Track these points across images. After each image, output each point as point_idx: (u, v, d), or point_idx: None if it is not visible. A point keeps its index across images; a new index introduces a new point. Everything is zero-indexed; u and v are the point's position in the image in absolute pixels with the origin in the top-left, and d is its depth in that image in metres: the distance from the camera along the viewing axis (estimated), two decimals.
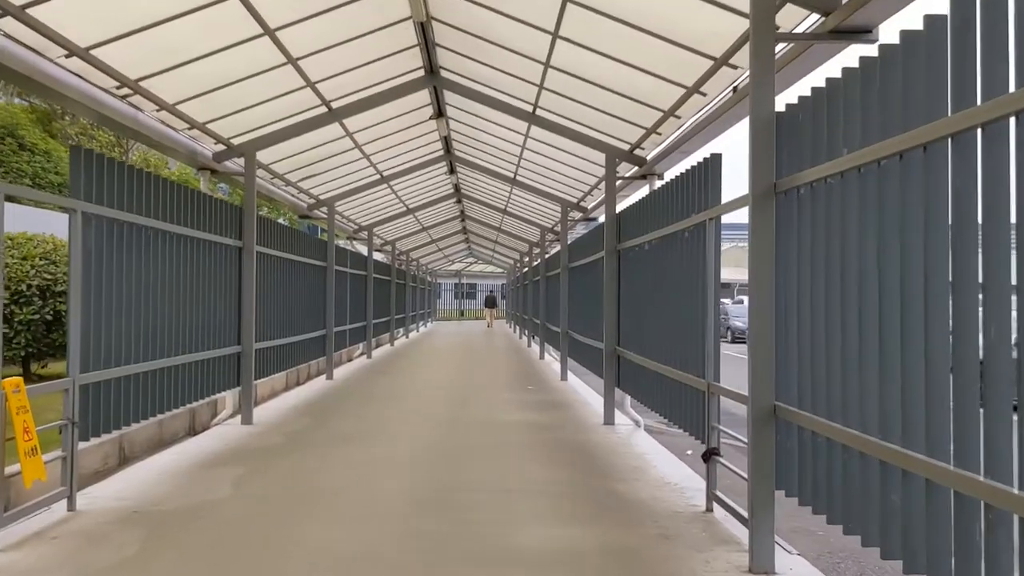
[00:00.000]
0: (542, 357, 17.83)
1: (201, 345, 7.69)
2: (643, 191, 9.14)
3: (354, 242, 21.08)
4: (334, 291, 13.56)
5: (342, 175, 12.45)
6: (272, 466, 6.49)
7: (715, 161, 5.38)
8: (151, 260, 6.60)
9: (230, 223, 8.40)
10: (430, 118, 10.60)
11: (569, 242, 13.28)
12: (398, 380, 13.32)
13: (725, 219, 5.53)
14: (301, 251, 11.50)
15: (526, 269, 25.85)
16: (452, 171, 14.99)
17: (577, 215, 13.73)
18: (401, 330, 26.59)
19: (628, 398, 8.81)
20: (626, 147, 8.81)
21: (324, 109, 8.81)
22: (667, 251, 6.58)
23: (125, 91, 6.60)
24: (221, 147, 8.67)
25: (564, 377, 13.35)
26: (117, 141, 17.11)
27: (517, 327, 30.89)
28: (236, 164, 8.99)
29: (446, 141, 12.65)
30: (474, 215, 21.87)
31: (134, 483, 5.87)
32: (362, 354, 18.21)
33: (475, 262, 44.46)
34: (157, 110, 7.16)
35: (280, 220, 26.17)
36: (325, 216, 13.35)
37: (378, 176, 13.30)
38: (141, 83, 6.57)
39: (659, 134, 8.00)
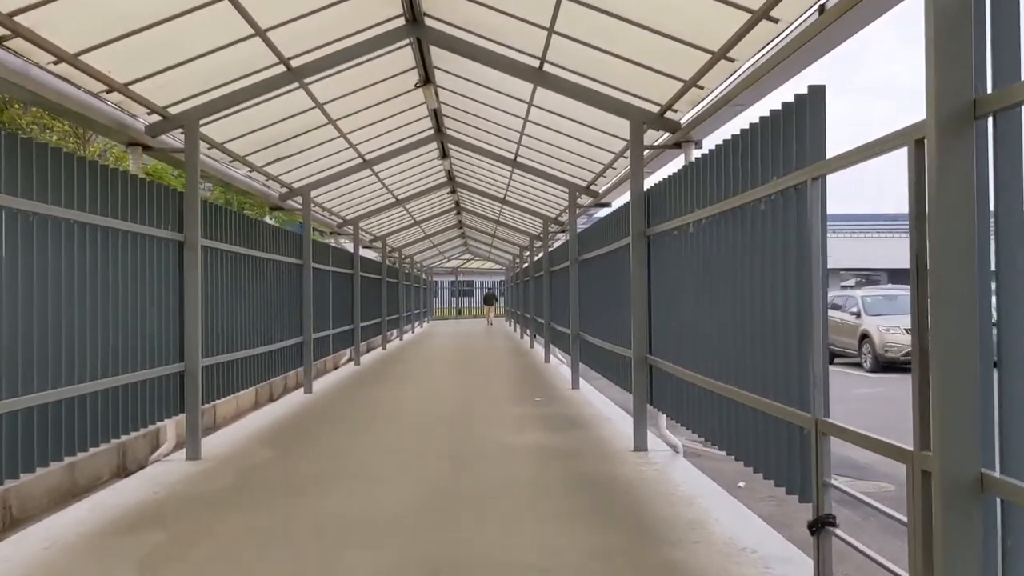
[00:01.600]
0: (547, 360, 16.20)
1: (128, 365, 6.05)
2: (673, 165, 7.51)
3: (341, 239, 19.45)
4: (312, 292, 11.90)
5: (317, 158, 10.80)
6: (204, 531, 4.84)
7: (816, 97, 3.74)
8: (58, 258, 4.98)
9: (167, 212, 6.76)
10: (416, 86, 8.94)
11: (579, 231, 11.63)
12: (387, 392, 11.67)
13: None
14: (269, 246, 9.85)
15: (526, 264, 24.21)
16: (444, 155, 13.34)
17: (587, 200, 12.08)
18: (395, 332, 24.96)
19: (663, 416, 7.18)
20: (655, 109, 7.18)
21: (281, 68, 7.15)
22: (727, 232, 4.94)
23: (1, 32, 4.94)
24: (156, 118, 7.02)
25: (575, 385, 11.71)
26: (73, 131, 15.40)
27: (517, 326, 29.27)
28: (176, 139, 7.34)
29: (436, 117, 10.99)
30: (470, 207, 20.22)
31: None
32: (350, 360, 16.59)
33: (472, 258, 42.87)
34: (54, 62, 5.49)
35: (268, 220, 24.47)
36: (300, 207, 11.70)
37: (360, 160, 11.65)
38: (20, 18, 4.90)
39: (700, 88, 6.36)
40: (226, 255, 8.28)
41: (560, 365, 15.61)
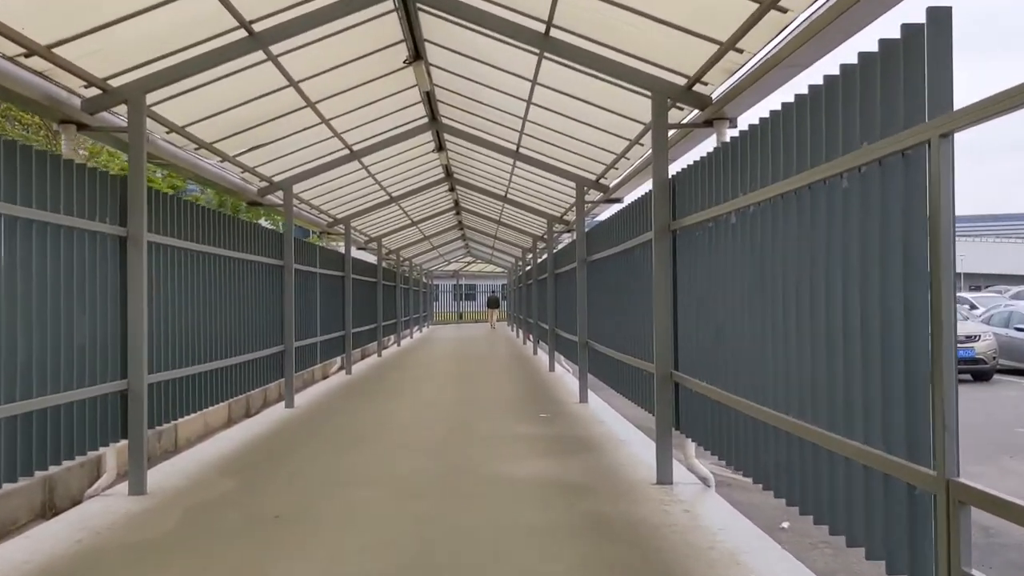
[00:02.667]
0: (552, 369, 15.12)
1: (52, 384, 5.01)
2: (699, 151, 6.44)
3: (333, 241, 18.42)
4: (295, 296, 10.84)
5: (298, 147, 9.75)
6: None
7: (938, 24, 2.68)
8: None
9: (105, 202, 5.71)
10: (405, 63, 7.89)
11: (587, 229, 10.57)
12: (376, 406, 10.60)
13: None
14: (241, 245, 8.79)
15: (529, 267, 23.16)
16: (441, 147, 12.28)
17: (596, 195, 11.02)
18: (392, 337, 23.91)
19: (691, 442, 6.10)
20: (681, 81, 6.12)
21: (241, 33, 6.10)
22: (789, 219, 3.88)
23: None
24: (96, 92, 5.96)
25: (583, 398, 10.64)
26: (43, 123, 14.40)
27: (520, 331, 28.20)
28: (119, 117, 6.29)
29: (430, 102, 9.94)
30: (470, 206, 19.16)
31: None
32: (341, 369, 15.51)
33: (474, 261, 41.83)
34: None
35: (264, 222, 23.51)
36: (281, 202, 10.64)
37: (346, 151, 10.60)
38: None
39: (739, 51, 5.30)
40: (186, 254, 7.23)
41: (565, 375, 14.54)
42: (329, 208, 14.19)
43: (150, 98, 6.47)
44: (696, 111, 6.20)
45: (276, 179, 10.48)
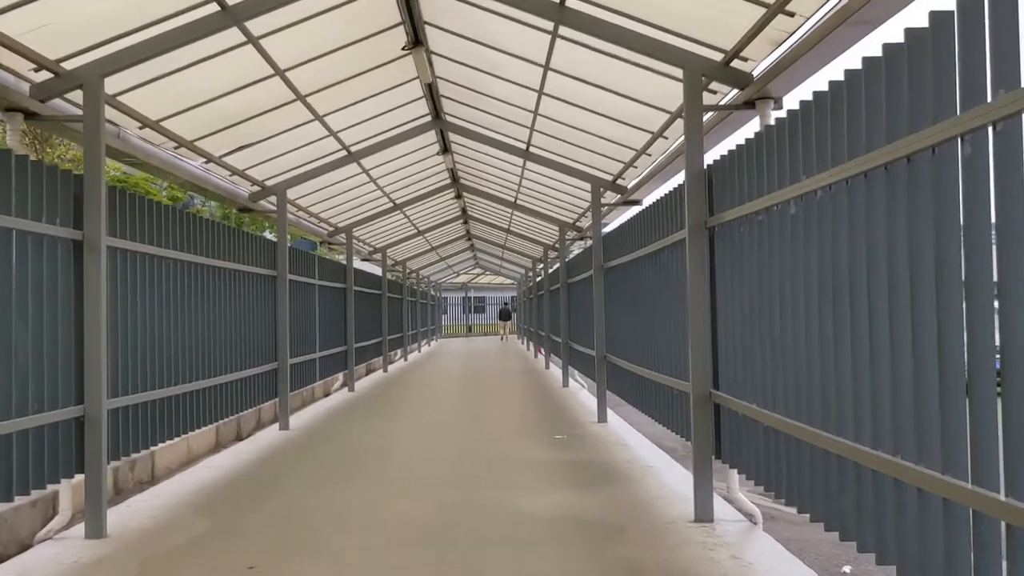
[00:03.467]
0: (566, 384, 14.29)
1: None
2: (737, 136, 5.65)
3: (335, 252, 17.69)
4: (290, 309, 10.08)
5: (291, 147, 8.99)
6: None
7: None
8: None
9: (55, 201, 4.96)
10: (404, 49, 7.14)
11: (604, 233, 9.77)
12: (379, 429, 9.80)
13: None
14: (226, 253, 8.04)
15: (539, 278, 22.37)
16: (446, 148, 11.52)
17: (613, 197, 10.22)
18: (398, 352, 23.12)
19: (734, 473, 5.27)
20: (717, 57, 5.33)
21: (213, 6, 5.34)
22: (862, 206, 3.08)
23: None
24: (47, 75, 5.22)
25: (602, 418, 9.80)
26: (31, 130, 13.75)
27: (530, 344, 27.38)
28: (75, 105, 5.53)
29: (433, 96, 9.17)
30: (478, 214, 18.39)
31: None
32: (344, 386, 14.74)
33: (482, 273, 41.10)
34: None
35: (267, 235, 22.78)
36: (273, 208, 9.88)
37: (344, 152, 9.84)
38: None
39: (789, 14, 4.52)
40: (161, 263, 6.48)
41: (580, 390, 13.71)
42: (330, 216, 13.45)
43: (114, 85, 5.74)
44: (734, 91, 5.40)
45: (268, 183, 9.72)
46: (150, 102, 6.44)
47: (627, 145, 8.37)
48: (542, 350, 22.06)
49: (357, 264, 21.43)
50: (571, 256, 14.12)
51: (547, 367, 18.63)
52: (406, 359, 23.41)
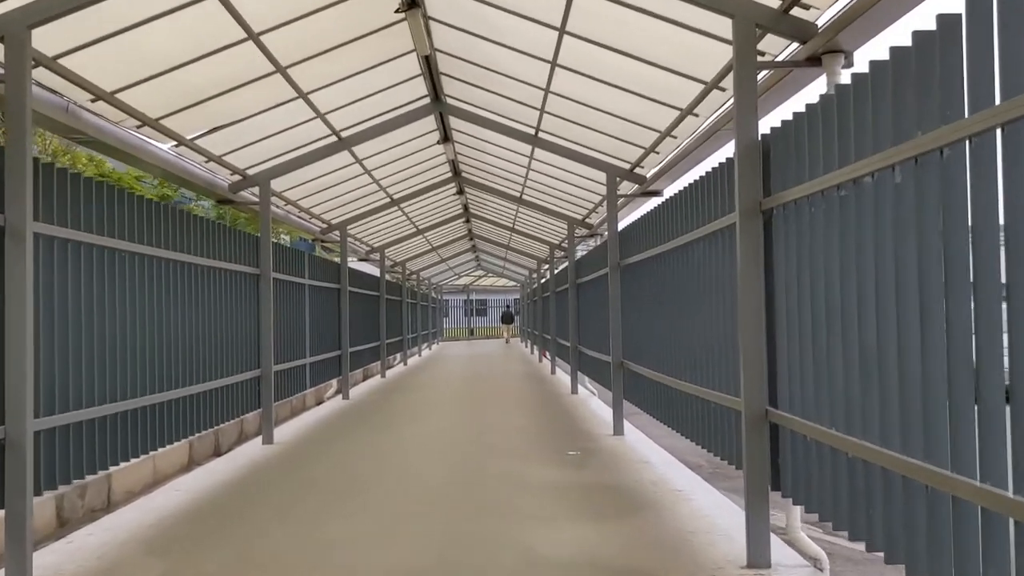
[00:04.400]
0: (575, 391, 13.37)
1: None
2: (792, 105, 4.75)
3: (327, 250, 16.78)
4: (275, 311, 9.18)
5: (273, 129, 8.10)
6: None
7: None
8: None
9: None
10: (398, 11, 6.23)
11: (620, 227, 8.86)
12: (373, 441, 8.88)
13: None
14: (202, 247, 7.15)
15: (544, 280, 21.47)
16: (446, 137, 10.61)
17: (630, 188, 9.31)
18: (398, 356, 22.21)
19: (796, 509, 4.35)
20: (776, 4, 4.42)
21: None
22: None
23: None
24: None
25: (618, 430, 8.87)
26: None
27: (534, 347, 26.46)
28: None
29: (431, 74, 8.27)
30: (481, 212, 17.48)
31: None
32: (338, 392, 13.80)
33: (484, 275, 40.20)
34: None
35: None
36: (256, 199, 8.97)
37: (333, 137, 8.94)
38: None
39: None
40: (115, 256, 5.58)
41: (591, 398, 12.79)
42: (322, 212, 12.54)
43: (52, 43, 4.84)
44: (793, 45, 4.49)
45: (250, 172, 8.82)
46: (101, 68, 5.54)
47: (648, 126, 7.46)
48: (547, 354, 21.14)
49: (353, 264, 20.55)
50: (580, 255, 13.21)
51: (553, 372, 17.70)
52: (406, 363, 22.49)
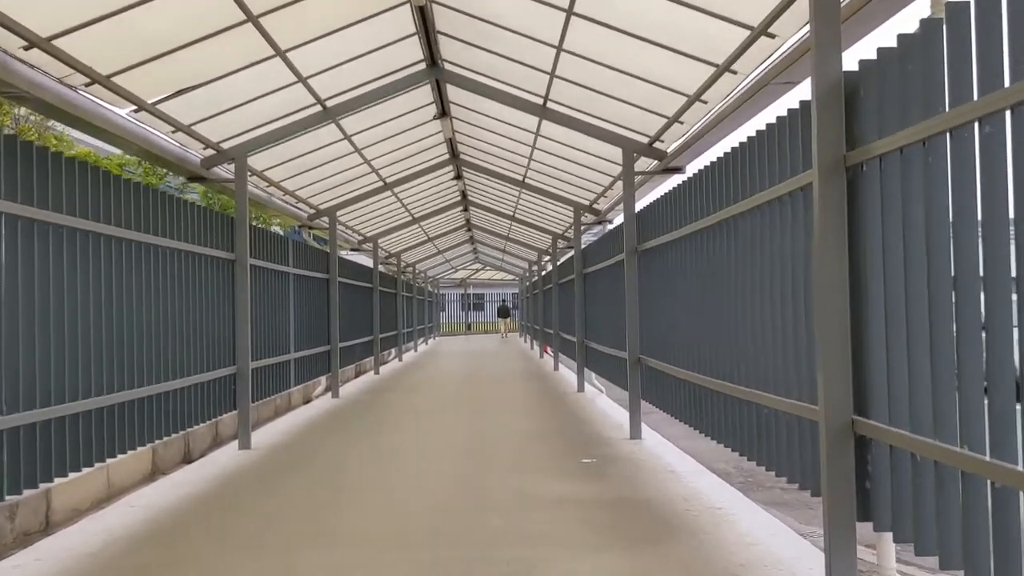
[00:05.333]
0: (581, 388, 12.48)
1: None
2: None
3: (311, 234, 15.84)
4: (252, 302, 8.28)
5: (249, 95, 7.19)
6: None
7: None
8: None
9: None
10: None
11: (637, 210, 7.96)
12: (362, 446, 7.97)
13: None
14: (163, 227, 6.24)
15: (546, 272, 20.58)
16: (444, 112, 9.69)
17: (649, 164, 8.42)
18: (393, 351, 21.33)
19: (891, 545, 3.46)
20: None
21: None
22: None
23: None
24: None
25: (635, 433, 7.96)
26: None
27: (533, 342, 25.59)
28: None
29: (427, 32, 7.34)
30: (479, 199, 16.57)
31: None
32: (328, 390, 12.90)
33: (482, 268, 39.30)
34: None
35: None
36: (231, 177, 8.04)
37: (317, 106, 8.02)
38: None
39: None
40: (57, 233, 4.68)
41: (599, 397, 11.91)
42: (309, 196, 11.62)
43: None
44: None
45: (224, 145, 7.89)
46: (35, 10, 4.61)
47: (677, 89, 6.55)
48: (549, 349, 20.26)
49: (346, 255, 19.63)
50: (587, 244, 12.31)
51: (556, 368, 16.81)
52: (401, 359, 21.59)
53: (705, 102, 6.47)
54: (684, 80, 6.30)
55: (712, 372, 5.49)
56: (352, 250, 17.72)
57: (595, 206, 12.21)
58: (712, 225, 5.39)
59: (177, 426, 6.80)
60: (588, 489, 5.77)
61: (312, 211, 12.27)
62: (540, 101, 8.12)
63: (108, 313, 5.46)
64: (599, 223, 12.44)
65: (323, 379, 12.87)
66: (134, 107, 6.34)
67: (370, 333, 16.48)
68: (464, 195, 16.22)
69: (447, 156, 12.40)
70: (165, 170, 13.79)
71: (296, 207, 11.67)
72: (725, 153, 5.16)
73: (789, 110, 4.02)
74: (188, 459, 8.18)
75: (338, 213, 12.76)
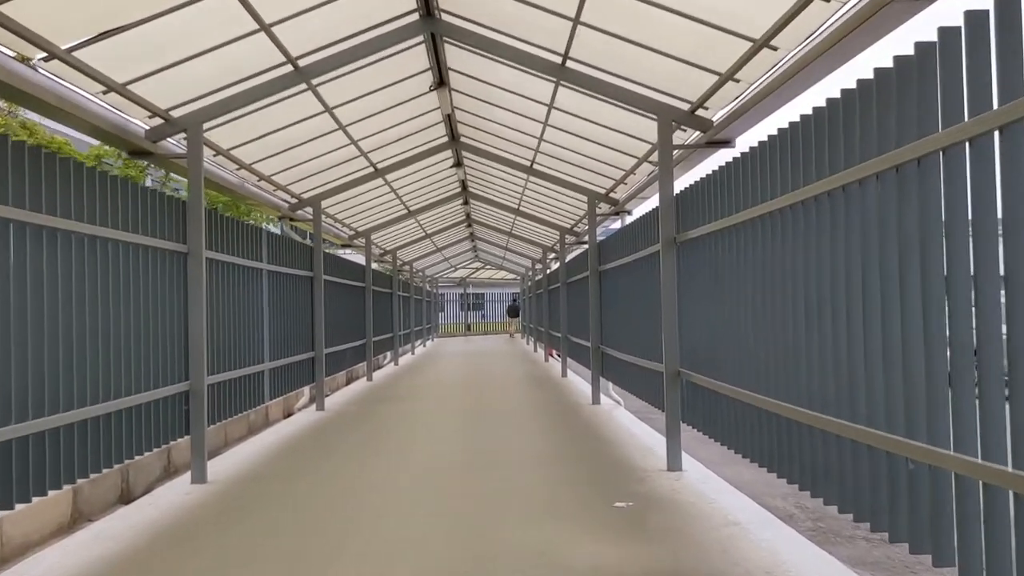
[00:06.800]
0: (596, 400, 11.08)
1: None
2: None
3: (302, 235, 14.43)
4: (204, 301, 6.89)
5: (200, 47, 5.78)
6: None
7: None
8: None
9: None
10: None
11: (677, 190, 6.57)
12: (345, 477, 6.56)
13: None
14: (86, 210, 4.85)
15: (554, 269, 19.20)
16: (442, 81, 8.27)
17: (688, 136, 7.03)
18: (388, 354, 19.95)
19: None
20: None
21: None
22: None
23: None
24: None
25: (674, 464, 6.54)
26: None
27: (537, 344, 24.20)
28: None
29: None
30: (480, 188, 15.16)
31: None
32: (312, 402, 11.48)
33: (483, 267, 37.87)
34: None
35: (270, 227, 18.85)
36: (183, 151, 6.62)
37: (288, 66, 6.61)
38: None
39: None
40: None
41: (616, 410, 10.51)
42: (289, 183, 10.21)
43: None
44: None
45: (175, 114, 6.49)
46: None
47: (738, 31, 5.14)
48: (555, 353, 18.86)
49: (343, 253, 18.22)
50: (602, 238, 10.91)
51: (564, 374, 15.40)
52: (397, 363, 20.17)
53: (775, 48, 5.07)
54: (747, 17, 4.90)
55: (811, 400, 4.08)
56: (343, 246, 16.31)
57: (612, 195, 10.82)
58: (808, 199, 3.99)
59: (111, 459, 5.43)
60: (630, 553, 4.37)
61: (294, 201, 10.86)
62: (558, 60, 6.71)
63: (4, 321, 4.09)
64: (616, 214, 11.03)
65: (306, 389, 11.47)
66: (43, 54, 4.93)
67: (362, 336, 15.07)
68: (464, 185, 14.81)
69: (446, 139, 10.99)
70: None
71: (274, 196, 10.26)
72: (829, 99, 3.75)
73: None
74: (127, 497, 6.78)
75: (324, 203, 11.36)
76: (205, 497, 5.93)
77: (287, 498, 5.87)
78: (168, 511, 5.53)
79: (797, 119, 4.19)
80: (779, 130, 4.42)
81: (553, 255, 19.20)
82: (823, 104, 3.87)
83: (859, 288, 3.48)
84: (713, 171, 5.67)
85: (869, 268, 3.40)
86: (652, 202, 8.08)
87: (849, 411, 3.59)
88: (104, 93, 5.72)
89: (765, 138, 4.69)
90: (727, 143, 6.56)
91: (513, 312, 37.52)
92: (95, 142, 11.01)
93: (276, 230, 23.44)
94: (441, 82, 8.24)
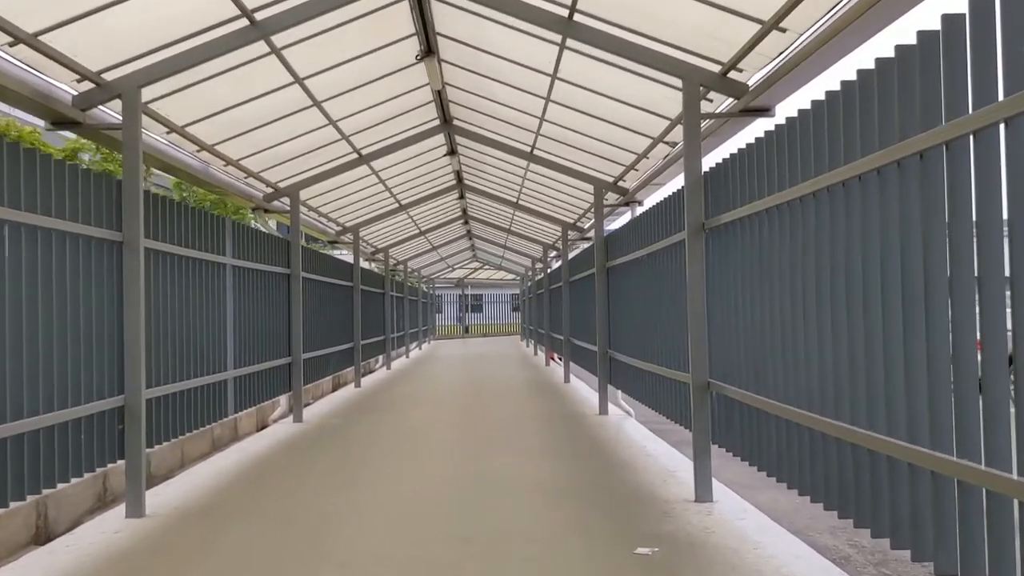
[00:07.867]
0: (604, 411, 10.05)
1: None
2: None
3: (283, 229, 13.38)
4: (142, 301, 5.86)
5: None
6: None
7: None
8: None
9: None
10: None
11: (703, 169, 5.52)
12: (315, 510, 5.49)
13: None
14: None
15: (551, 269, 18.17)
16: (431, 49, 7.22)
17: (721, 103, 5.98)
18: (380, 359, 18.91)
19: None
20: None
21: None
22: None
23: None
24: None
25: (704, 495, 5.47)
26: None
27: (536, 347, 23.18)
28: None
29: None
30: (476, 182, 14.12)
31: None
32: (289, 412, 10.42)
33: (481, 267, 36.84)
34: None
35: (250, 222, 17.54)
36: (118, 122, 5.56)
37: (244, 20, 5.56)
38: None
39: None
40: None
41: (627, 422, 9.47)
42: (261, 170, 9.17)
43: None
44: None
45: (108, 76, 5.44)
46: None
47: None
48: (556, 357, 17.82)
49: (340, 253, 17.16)
50: (608, 231, 9.87)
51: (567, 380, 14.36)
52: (389, 367, 19.11)
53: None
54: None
55: (912, 431, 3.03)
56: (331, 243, 15.27)
57: (621, 183, 9.78)
58: (912, 155, 2.93)
59: (21, 490, 4.41)
60: None
61: (269, 190, 9.82)
62: (564, 12, 5.65)
63: None
64: (626, 204, 9.98)
65: (283, 399, 10.42)
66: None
67: (350, 339, 14.01)
68: (459, 177, 13.77)
69: (437, 121, 9.94)
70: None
71: (245, 183, 9.21)
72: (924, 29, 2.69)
73: None
74: (45, 536, 5.70)
75: (303, 193, 10.33)
76: (137, 538, 4.87)
77: (237, 542, 4.81)
78: (86, 558, 4.48)
79: (888, 55, 3.15)
80: (859, 72, 3.37)
81: (555, 253, 18.17)
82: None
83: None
84: (757, 137, 4.63)
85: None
86: (665, 190, 7.05)
87: (969, 447, 2.56)
88: (11, 45, 4.67)
89: (825, 94, 3.65)
90: (766, 111, 5.52)
91: None
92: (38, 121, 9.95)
93: (274, 230, 22.25)
94: (429, 50, 7.20)
